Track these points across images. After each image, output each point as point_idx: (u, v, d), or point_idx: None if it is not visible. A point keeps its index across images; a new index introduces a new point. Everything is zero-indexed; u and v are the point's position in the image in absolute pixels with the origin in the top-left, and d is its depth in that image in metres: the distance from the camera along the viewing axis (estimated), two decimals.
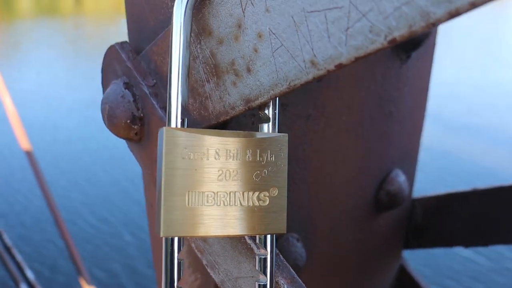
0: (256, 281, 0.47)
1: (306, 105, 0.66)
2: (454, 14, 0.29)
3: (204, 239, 0.55)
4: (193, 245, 0.56)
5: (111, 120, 0.59)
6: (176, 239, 0.43)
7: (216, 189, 0.43)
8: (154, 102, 0.56)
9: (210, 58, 0.48)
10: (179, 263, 0.43)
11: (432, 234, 0.99)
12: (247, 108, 0.46)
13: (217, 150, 0.43)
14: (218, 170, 0.43)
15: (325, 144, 0.70)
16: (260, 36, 0.42)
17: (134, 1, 0.63)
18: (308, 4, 0.37)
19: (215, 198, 0.43)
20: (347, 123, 0.72)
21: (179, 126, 0.44)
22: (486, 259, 3.47)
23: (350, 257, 0.85)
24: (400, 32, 0.32)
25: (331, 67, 0.37)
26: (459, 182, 4.59)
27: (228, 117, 0.49)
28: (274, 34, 0.40)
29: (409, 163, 0.89)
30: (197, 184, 0.43)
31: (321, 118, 0.68)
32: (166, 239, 0.43)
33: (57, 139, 6.35)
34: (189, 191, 0.42)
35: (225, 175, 0.43)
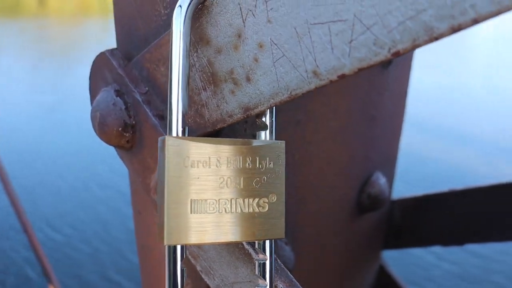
0: (255, 286, 0.48)
1: (296, 111, 0.67)
2: (456, 29, 0.30)
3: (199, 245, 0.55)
4: (187, 251, 0.57)
5: (102, 127, 0.59)
6: (178, 247, 0.43)
7: (218, 196, 0.44)
8: (147, 110, 0.56)
9: (207, 66, 0.48)
10: (182, 271, 0.43)
11: (410, 234, 1.02)
12: (245, 116, 0.47)
13: (218, 158, 0.44)
14: (220, 178, 0.44)
15: (312, 149, 0.72)
16: (261, 46, 0.42)
17: (124, 8, 0.63)
18: (311, 17, 0.38)
19: (217, 205, 0.44)
20: (333, 128, 0.73)
21: (180, 135, 0.44)
22: (450, 264, 3.57)
23: (335, 259, 0.87)
24: (404, 45, 0.33)
25: (334, 77, 0.38)
26: (425, 183, 4.68)
27: (225, 125, 0.49)
28: (275, 44, 0.41)
29: (389, 166, 0.92)
30: (199, 192, 0.43)
31: (309, 123, 0.70)
32: (169, 247, 0.43)
33: (17, 144, 6.14)
34: (191, 199, 0.43)
35: (226, 183, 0.44)
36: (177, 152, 0.43)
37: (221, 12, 0.45)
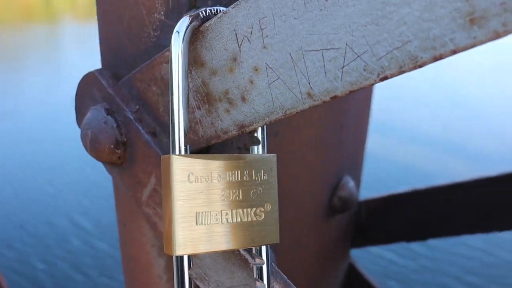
0: None
1: (274, 123, 0.71)
2: (438, 58, 0.35)
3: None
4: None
5: (94, 145, 0.61)
6: (186, 257, 0.46)
7: (220, 208, 0.47)
8: (140, 128, 0.59)
9: (202, 87, 0.52)
10: (190, 279, 0.46)
11: (376, 232, 1.09)
12: (240, 133, 0.50)
13: (219, 173, 0.48)
14: (221, 191, 0.48)
15: (289, 158, 0.76)
16: (256, 70, 0.46)
17: (110, 29, 0.65)
18: (306, 44, 0.42)
19: (220, 216, 0.47)
20: (308, 136, 0.78)
21: (182, 153, 0.47)
22: (399, 267, 3.68)
23: (310, 259, 0.92)
24: (391, 71, 0.38)
25: (327, 98, 0.42)
26: (376, 183, 4.79)
27: (219, 141, 0.53)
28: (271, 68, 0.45)
29: (357, 169, 0.98)
30: (203, 205, 0.47)
31: (286, 134, 0.74)
32: (177, 257, 0.46)
33: None
34: (197, 212, 0.46)
35: (227, 195, 0.48)
36: (181, 169, 0.46)
37: (217, 38, 0.48)
